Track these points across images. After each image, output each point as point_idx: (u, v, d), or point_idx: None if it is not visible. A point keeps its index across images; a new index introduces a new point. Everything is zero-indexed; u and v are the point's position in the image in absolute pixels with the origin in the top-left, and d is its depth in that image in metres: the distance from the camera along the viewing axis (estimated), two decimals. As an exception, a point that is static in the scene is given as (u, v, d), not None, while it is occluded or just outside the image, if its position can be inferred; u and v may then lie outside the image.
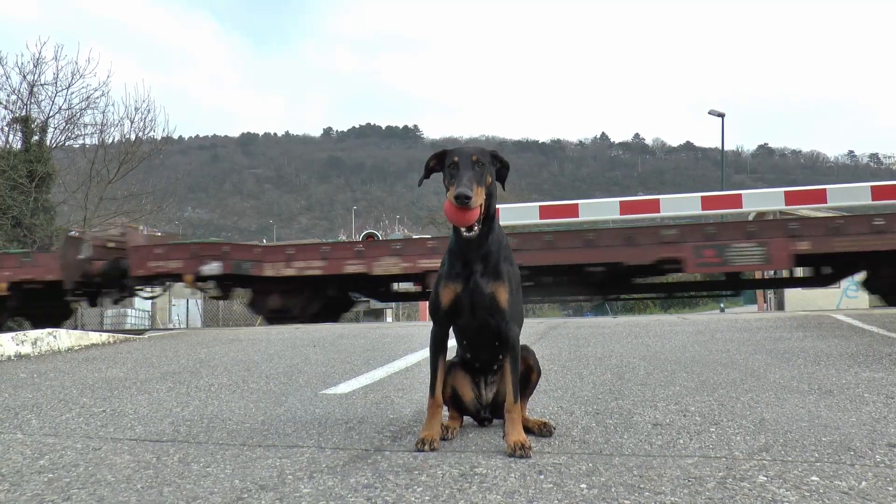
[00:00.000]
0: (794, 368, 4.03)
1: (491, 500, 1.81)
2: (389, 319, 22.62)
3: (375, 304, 18.36)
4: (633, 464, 2.12)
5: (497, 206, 2.43)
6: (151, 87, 26.95)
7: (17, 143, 18.78)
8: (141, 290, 11.88)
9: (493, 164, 2.36)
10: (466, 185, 2.16)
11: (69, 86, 19.39)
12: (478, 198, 2.20)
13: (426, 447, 2.32)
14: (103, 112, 24.25)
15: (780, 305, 20.52)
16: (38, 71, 19.05)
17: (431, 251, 10.19)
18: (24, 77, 18.94)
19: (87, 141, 20.59)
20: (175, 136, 23.68)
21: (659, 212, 10.51)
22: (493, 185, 2.32)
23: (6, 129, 18.97)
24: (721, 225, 10.42)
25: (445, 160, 2.31)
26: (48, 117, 19.32)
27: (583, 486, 1.90)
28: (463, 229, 2.26)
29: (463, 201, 2.15)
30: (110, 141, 20.63)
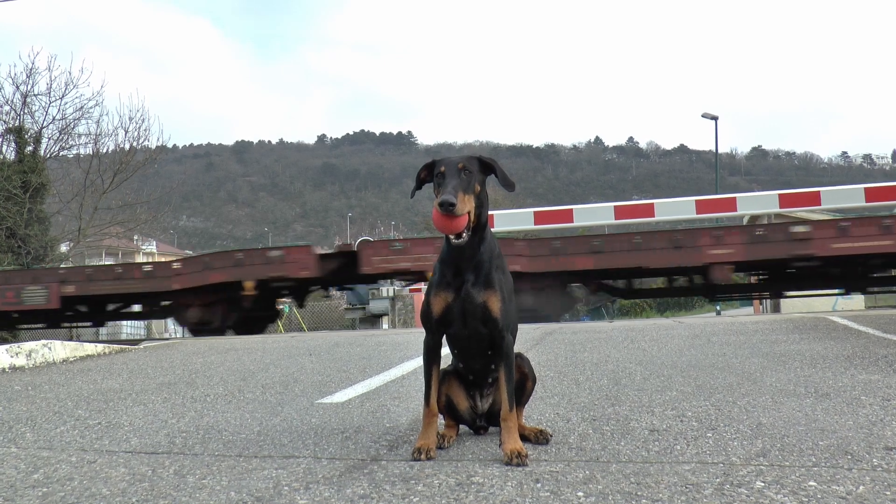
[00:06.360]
0: (791, 371, 4.03)
1: (488, 509, 1.80)
2: (386, 327, 22.57)
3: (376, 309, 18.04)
4: (631, 471, 2.11)
5: (491, 212, 2.42)
6: (146, 96, 26.94)
7: (10, 153, 18.76)
8: None
9: (484, 172, 2.35)
10: (451, 193, 2.17)
11: (63, 96, 19.43)
12: (463, 205, 2.19)
13: (422, 456, 2.32)
14: (97, 122, 24.33)
15: (777, 308, 20.55)
16: (31, 81, 19.07)
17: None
18: (17, 87, 18.96)
19: (82, 151, 20.65)
20: (169, 145, 23.77)
21: (654, 216, 10.52)
22: (482, 193, 2.32)
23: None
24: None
25: (434, 170, 2.32)
26: (42, 128, 19.34)
27: (580, 493, 1.90)
28: (452, 237, 2.26)
29: (447, 208, 2.15)
30: (104, 151, 20.67)
